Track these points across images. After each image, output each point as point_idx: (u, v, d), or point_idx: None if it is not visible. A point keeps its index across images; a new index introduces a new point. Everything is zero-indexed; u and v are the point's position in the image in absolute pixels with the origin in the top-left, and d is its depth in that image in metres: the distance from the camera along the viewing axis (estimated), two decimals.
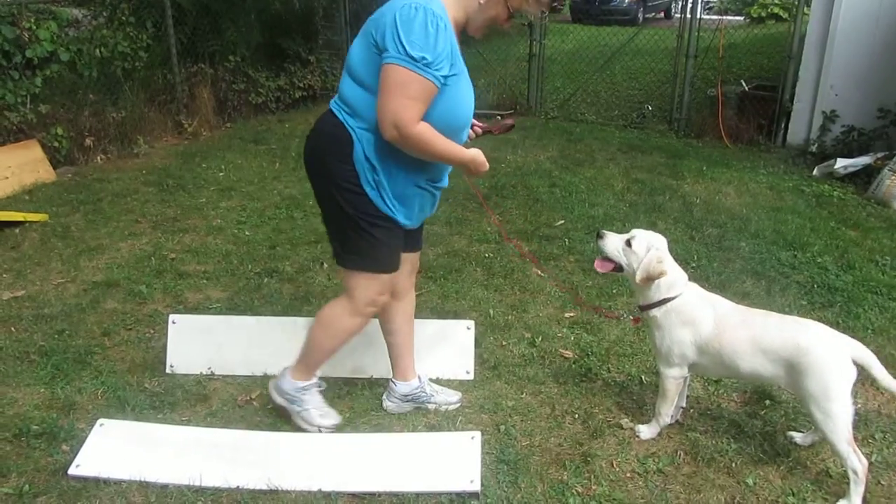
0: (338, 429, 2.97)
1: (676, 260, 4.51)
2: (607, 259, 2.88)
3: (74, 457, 2.73)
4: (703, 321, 2.75)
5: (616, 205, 5.77)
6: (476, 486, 2.57)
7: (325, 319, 2.83)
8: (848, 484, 2.52)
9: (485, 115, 9.15)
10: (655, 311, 2.82)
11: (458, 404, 3.15)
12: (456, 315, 3.90)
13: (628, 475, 2.73)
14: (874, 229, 5.32)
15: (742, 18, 16.31)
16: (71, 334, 3.69)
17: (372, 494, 2.58)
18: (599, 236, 2.90)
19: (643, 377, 3.36)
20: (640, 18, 20.68)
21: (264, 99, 8.96)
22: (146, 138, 7.35)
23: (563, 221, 5.36)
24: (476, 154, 2.60)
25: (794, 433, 2.93)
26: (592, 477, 2.70)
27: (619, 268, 2.86)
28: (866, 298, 4.12)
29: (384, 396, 3.15)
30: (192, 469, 2.65)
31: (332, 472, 2.65)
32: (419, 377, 3.13)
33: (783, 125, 7.77)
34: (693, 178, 6.57)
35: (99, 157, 6.90)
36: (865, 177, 6.41)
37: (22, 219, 5.16)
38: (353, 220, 2.58)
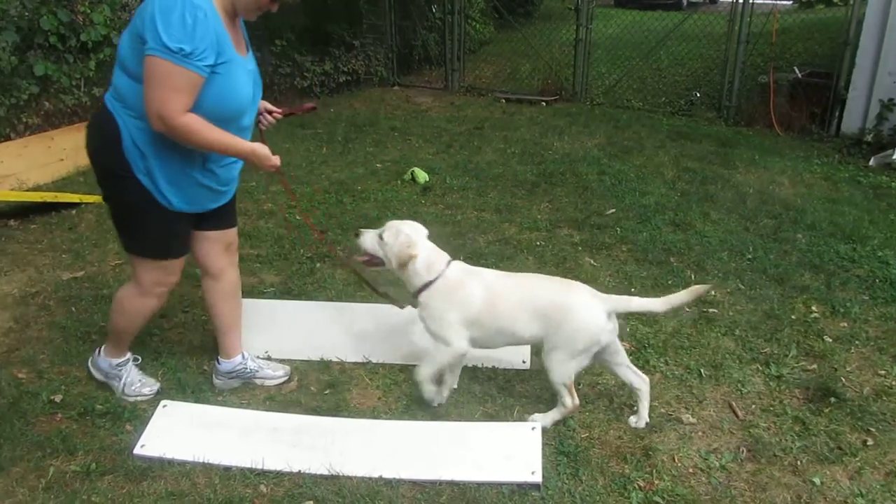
0: (396, 416, 2.97)
1: (731, 251, 4.52)
2: (369, 255, 3.00)
3: (138, 437, 2.78)
4: (471, 297, 2.85)
5: (667, 193, 5.68)
6: (537, 478, 2.56)
7: (118, 302, 2.96)
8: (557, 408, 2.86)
9: (518, 100, 9.08)
10: (422, 296, 2.90)
11: (286, 378, 3.23)
12: None
13: (690, 471, 2.69)
14: None
15: (791, 2, 15.90)
16: None
17: (433, 483, 2.58)
18: (357, 235, 3.04)
19: (702, 370, 3.30)
20: (685, 3, 20.31)
21: (310, 83, 8.97)
22: None
23: (613, 210, 5.30)
24: (256, 148, 2.65)
25: (631, 418, 2.98)
26: (654, 471, 2.67)
27: (381, 262, 2.98)
28: None
29: (213, 375, 3.21)
30: (254, 452, 2.68)
31: (392, 460, 2.65)
32: (242, 354, 3.19)
33: (837, 113, 7.57)
34: (745, 167, 6.44)
35: None
36: None
37: (78, 200, 5.24)
38: (129, 208, 2.68)
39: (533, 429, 2.79)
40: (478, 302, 2.84)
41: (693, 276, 4.23)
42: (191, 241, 2.91)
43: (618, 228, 4.93)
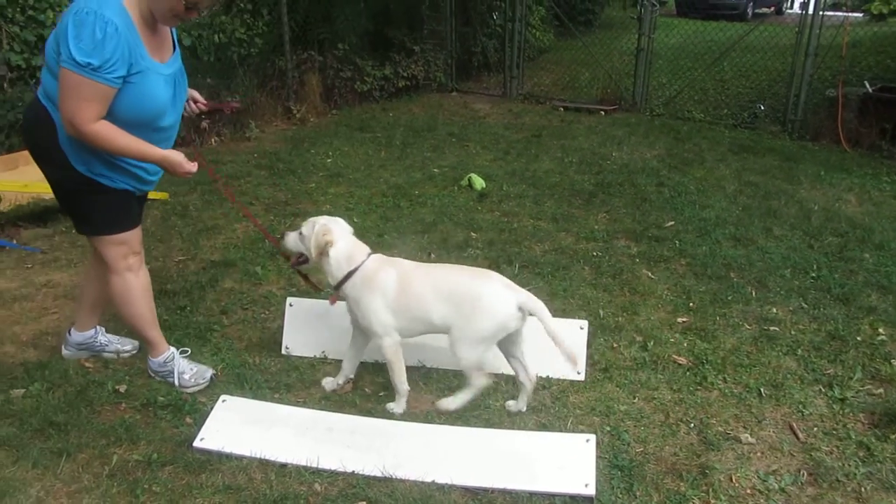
0: (449, 422, 2.98)
1: (794, 269, 4.42)
2: (297, 254, 3.12)
3: (198, 430, 2.84)
4: (386, 283, 2.95)
5: (728, 207, 5.57)
6: (591, 491, 2.54)
7: (110, 295, 3.09)
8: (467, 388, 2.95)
9: (576, 109, 9.02)
10: (345, 287, 3.00)
11: (134, 351, 3.40)
12: (565, 313, 3.85)
13: (748, 492, 2.64)
14: None
15: (862, 15, 15.47)
16: (192, 311, 3.84)
17: (485, 490, 2.58)
18: (281, 237, 3.18)
19: (762, 390, 3.23)
20: (750, 14, 19.93)
21: (369, 87, 9.07)
22: (257, 123, 7.58)
23: (672, 223, 5.22)
24: (168, 154, 2.77)
25: (509, 402, 3.08)
26: (711, 491, 2.62)
27: (306, 259, 3.09)
28: None
29: (62, 346, 3.36)
30: (309, 450, 2.72)
31: (445, 465, 2.66)
32: (95, 329, 3.35)
33: None
34: (810, 183, 6.28)
35: (213, 140, 7.16)
36: None
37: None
38: (74, 193, 2.85)
39: (587, 441, 2.76)
40: (393, 287, 2.94)
41: (753, 293, 4.14)
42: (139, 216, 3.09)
43: (676, 241, 4.86)
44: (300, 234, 3.07)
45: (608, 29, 14.48)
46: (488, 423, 3.00)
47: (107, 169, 2.79)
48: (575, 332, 3.37)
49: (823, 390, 3.25)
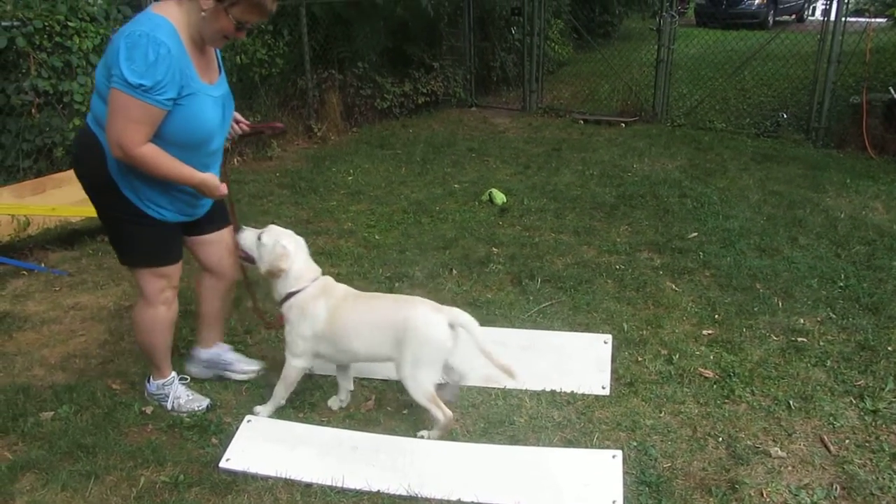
0: (474, 439, 2.97)
1: (821, 278, 4.35)
2: (245, 252, 3.10)
3: (224, 450, 2.85)
4: (317, 312, 2.95)
5: (753, 217, 5.52)
6: None
7: (135, 321, 3.08)
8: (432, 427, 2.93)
9: (596, 122, 8.99)
10: (284, 305, 3.01)
11: (259, 371, 3.42)
12: (588, 328, 3.83)
13: None
14: None
15: (886, 20, 15.30)
16: None
17: None
18: (238, 229, 3.14)
19: (791, 402, 3.18)
20: (771, 22, 19.79)
21: (389, 104, 9.12)
22: (279, 142, 7.65)
23: (696, 234, 5.18)
24: (206, 178, 2.76)
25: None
26: None
27: (253, 260, 3.08)
28: None
29: (186, 363, 3.39)
30: (334, 470, 2.72)
31: (471, 483, 2.64)
32: (219, 345, 3.40)
33: None
34: (836, 191, 6.21)
35: (235, 160, 7.23)
36: None
37: None
38: (120, 222, 2.83)
39: (614, 457, 2.73)
40: (323, 318, 2.95)
41: (780, 304, 4.09)
42: (191, 245, 3.15)
43: (700, 253, 4.82)
44: (259, 239, 3.05)
45: (627, 40, 14.46)
46: (513, 440, 2.98)
47: (156, 195, 2.78)
48: (599, 346, 3.35)
49: (854, 402, 3.19)
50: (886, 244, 4.94)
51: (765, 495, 2.64)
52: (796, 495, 2.63)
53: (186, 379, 3.31)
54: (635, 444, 2.93)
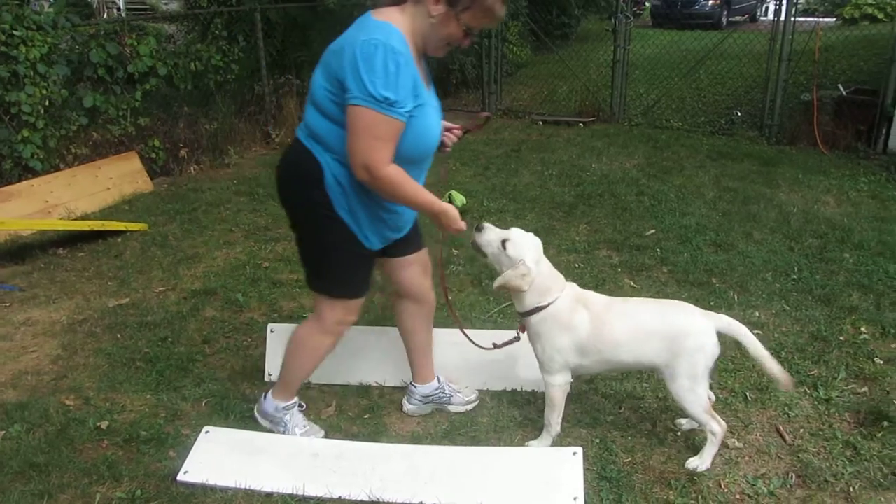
0: (436, 441, 2.96)
1: (775, 272, 4.43)
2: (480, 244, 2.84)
3: (182, 463, 2.80)
4: (578, 323, 2.74)
5: (708, 214, 5.60)
6: None
7: (299, 340, 2.89)
8: (705, 444, 2.74)
9: (555, 122, 9.05)
10: (533, 318, 2.78)
11: (477, 402, 3.22)
12: None
13: (738, 497, 2.62)
14: None
15: (834, 20, 15.70)
16: (173, 341, 3.81)
17: None
18: (479, 229, 2.82)
19: (747, 394, 3.23)
20: (724, 22, 20.14)
21: None
22: (236, 148, 7.59)
23: (653, 231, 5.24)
24: (448, 209, 2.55)
25: (681, 420, 2.99)
26: (700, 498, 2.61)
27: (485, 254, 2.83)
28: None
29: (404, 400, 3.20)
30: (295, 478, 2.68)
31: (433, 486, 2.63)
32: (438, 378, 3.19)
33: (884, 131, 7.41)
34: (788, 186, 6.33)
35: (192, 168, 7.14)
36: None
37: (124, 228, 5.37)
38: (326, 247, 2.63)
39: (574, 454, 2.74)
40: (586, 329, 2.73)
41: (736, 297, 4.16)
42: (390, 270, 2.95)
43: (658, 249, 4.87)
44: (503, 245, 2.73)
45: (585, 42, 14.57)
46: (475, 441, 2.98)
47: (370, 220, 2.59)
48: None
49: (808, 391, 3.25)
50: (837, 237, 5.05)
51: (723, 486, 2.67)
52: (753, 485, 2.67)
53: (303, 406, 3.08)
54: (596, 440, 2.95)
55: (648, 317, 2.74)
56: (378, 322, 3.95)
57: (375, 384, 3.36)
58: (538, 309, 2.77)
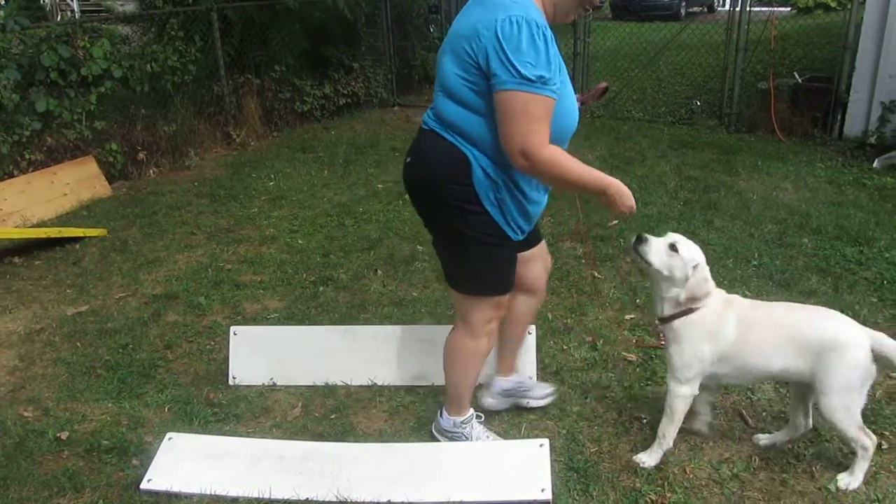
0: (403, 438, 2.95)
1: (736, 258, 4.50)
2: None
3: (145, 471, 2.75)
4: (725, 330, 2.58)
5: (670, 203, 5.66)
6: (547, 495, 2.52)
7: (451, 351, 2.74)
8: (855, 459, 2.58)
9: None
10: (676, 322, 2.62)
11: (555, 395, 3.12)
12: None
13: (703, 482, 2.65)
14: None
15: (789, 9, 15.96)
16: (134, 348, 3.74)
17: None
18: (641, 240, 2.61)
19: None
20: (683, 13, 20.38)
21: (309, 107, 9.02)
22: (196, 150, 7.47)
23: (616, 222, 5.28)
24: (619, 184, 2.35)
25: (760, 435, 2.85)
26: (666, 484, 2.63)
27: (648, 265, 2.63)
28: None
29: (481, 394, 3.07)
30: (261, 482, 2.65)
31: (400, 484, 2.62)
32: (517, 372, 3.11)
33: (839, 117, 7.53)
34: (748, 173, 6.42)
35: (152, 171, 7.03)
36: None
37: (82, 234, 5.27)
38: (472, 242, 2.44)
39: (541, 445, 2.75)
40: (731, 335, 2.58)
41: None
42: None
43: (621, 240, 4.91)
44: (672, 248, 2.57)
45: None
46: None
47: (515, 211, 2.43)
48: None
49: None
50: (796, 222, 5.13)
51: (688, 472, 2.70)
52: (717, 469, 2.70)
53: (481, 417, 2.94)
54: (564, 431, 2.96)
55: (796, 322, 2.56)
56: (343, 321, 3.94)
57: (342, 383, 3.33)
58: (684, 313, 2.61)
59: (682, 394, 2.65)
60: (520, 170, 2.26)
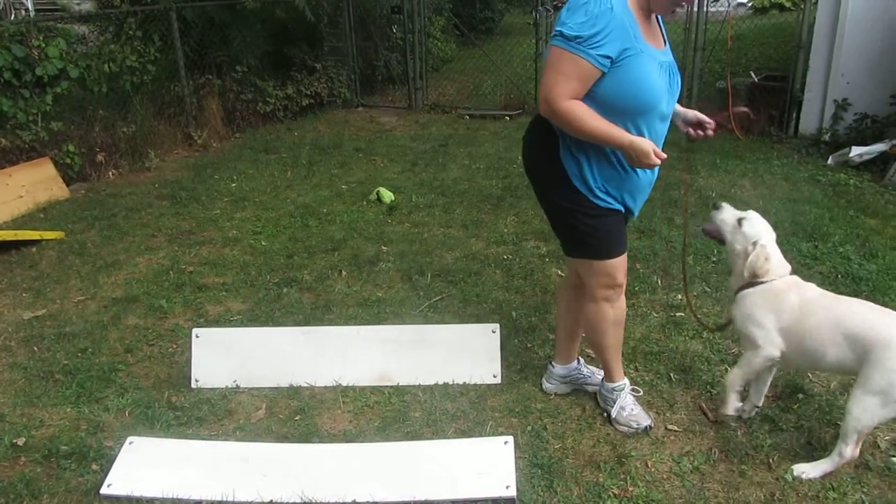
0: (369, 438, 2.95)
1: (696, 255, 4.57)
2: (715, 228, 2.91)
3: (105, 476, 2.71)
4: (786, 305, 2.68)
5: None
6: (512, 492, 2.55)
7: (588, 323, 2.98)
8: (824, 456, 2.66)
9: (482, 116, 9.11)
10: (742, 293, 2.79)
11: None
12: (478, 319, 3.88)
13: (664, 475, 2.70)
14: (894, 216, 5.27)
15: (745, 9, 16.23)
16: (94, 352, 3.68)
17: None
18: (716, 207, 2.91)
19: (672, 375, 3.32)
20: None
21: (272, 108, 8.95)
22: (157, 152, 7.36)
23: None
24: (635, 140, 2.46)
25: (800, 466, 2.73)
26: (628, 478, 2.67)
27: (722, 240, 2.89)
28: (892, 287, 4.08)
29: (543, 378, 3.27)
30: (224, 484, 2.63)
31: (365, 483, 2.62)
32: (578, 360, 3.25)
33: (795, 115, 7.71)
34: (707, 171, 6.53)
35: (111, 173, 6.90)
36: (881, 164, 6.37)
37: (38, 237, 5.16)
38: (569, 213, 2.71)
39: (506, 443, 2.77)
40: (792, 315, 2.66)
41: (659, 282, 4.26)
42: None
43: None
44: (739, 223, 2.79)
45: (509, 36, 14.72)
46: (409, 436, 2.97)
47: (604, 186, 2.65)
48: (487, 335, 3.38)
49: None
50: None
51: (650, 466, 2.74)
52: (678, 462, 2.75)
53: (639, 392, 3.13)
54: (528, 428, 2.99)
55: (853, 317, 2.57)
56: (307, 322, 3.92)
57: (306, 385, 3.32)
58: (751, 284, 2.76)
59: (761, 354, 2.73)
60: (542, 114, 2.56)
